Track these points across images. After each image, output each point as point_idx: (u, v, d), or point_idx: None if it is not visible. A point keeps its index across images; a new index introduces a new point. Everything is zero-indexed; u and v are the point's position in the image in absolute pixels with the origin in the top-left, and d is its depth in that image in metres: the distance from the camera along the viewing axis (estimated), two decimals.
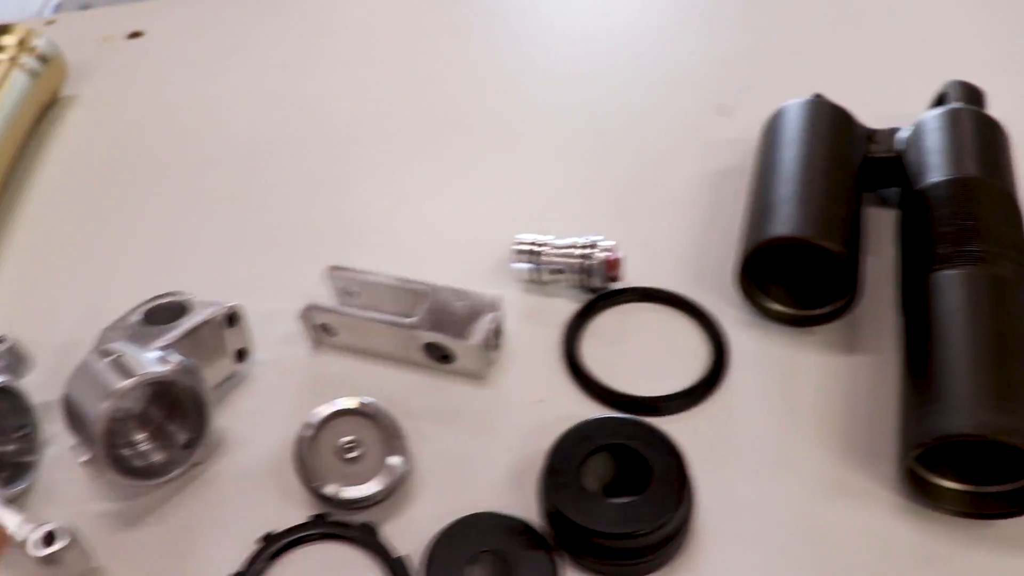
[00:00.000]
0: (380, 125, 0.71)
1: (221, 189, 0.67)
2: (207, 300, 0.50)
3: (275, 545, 0.44)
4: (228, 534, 0.45)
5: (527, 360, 0.52)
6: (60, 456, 0.49)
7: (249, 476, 0.48)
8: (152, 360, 0.45)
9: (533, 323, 0.54)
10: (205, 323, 0.49)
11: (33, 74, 0.70)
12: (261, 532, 0.45)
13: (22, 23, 0.73)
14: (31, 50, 0.71)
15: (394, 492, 0.45)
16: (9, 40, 0.71)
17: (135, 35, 0.83)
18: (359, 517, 0.45)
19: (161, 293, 0.51)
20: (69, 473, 0.48)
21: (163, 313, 0.50)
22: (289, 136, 0.71)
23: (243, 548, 0.44)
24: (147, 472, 0.46)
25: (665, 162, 0.64)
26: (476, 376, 0.51)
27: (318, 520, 0.45)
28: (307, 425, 0.45)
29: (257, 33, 0.83)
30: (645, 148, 0.65)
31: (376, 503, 0.44)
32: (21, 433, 0.49)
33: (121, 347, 0.46)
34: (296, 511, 0.46)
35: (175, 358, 0.45)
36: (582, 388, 0.50)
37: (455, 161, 0.66)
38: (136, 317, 0.50)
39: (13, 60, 0.70)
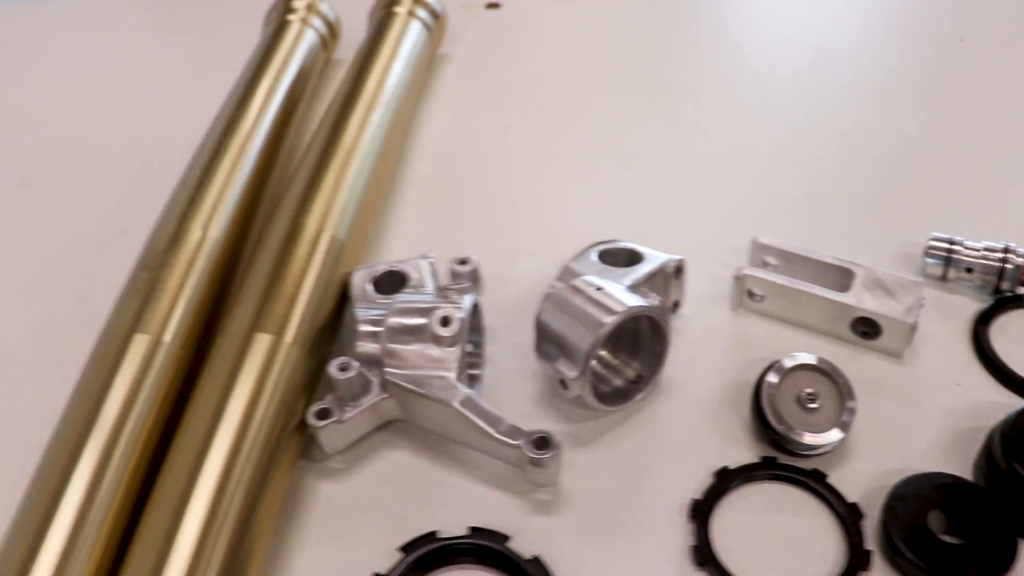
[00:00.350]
0: None
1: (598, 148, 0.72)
2: (650, 250, 0.55)
3: (730, 480, 0.48)
4: (675, 465, 0.49)
5: (936, 346, 0.55)
6: (495, 376, 0.54)
7: (689, 416, 0.52)
8: (632, 295, 0.49)
9: (938, 314, 0.56)
10: (659, 270, 0.53)
11: (426, 26, 0.77)
12: (704, 467, 0.49)
13: None
14: (425, 5, 0.77)
15: (841, 445, 0.48)
16: None
17: (493, 6, 0.89)
18: (805, 464, 0.48)
19: (606, 240, 0.56)
20: (505, 391, 0.53)
21: (616, 256, 0.54)
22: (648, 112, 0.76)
23: (690, 479, 0.48)
24: (602, 398, 0.51)
25: None
26: (895, 354, 0.54)
27: (768, 462, 0.49)
28: (774, 371, 0.49)
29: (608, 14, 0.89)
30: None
31: (825, 453, 0.48)
32: (473, 349, 0.55)
33: (597, 280, 0.50)
34: (739, 452, 0.49)
35: (652, 295, 0.50)
36: (996, 377, 0.53)
37: None
38: (592, 256, 0.54)
39: (410, 13, 0.76)
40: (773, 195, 0.68)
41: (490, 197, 0.69)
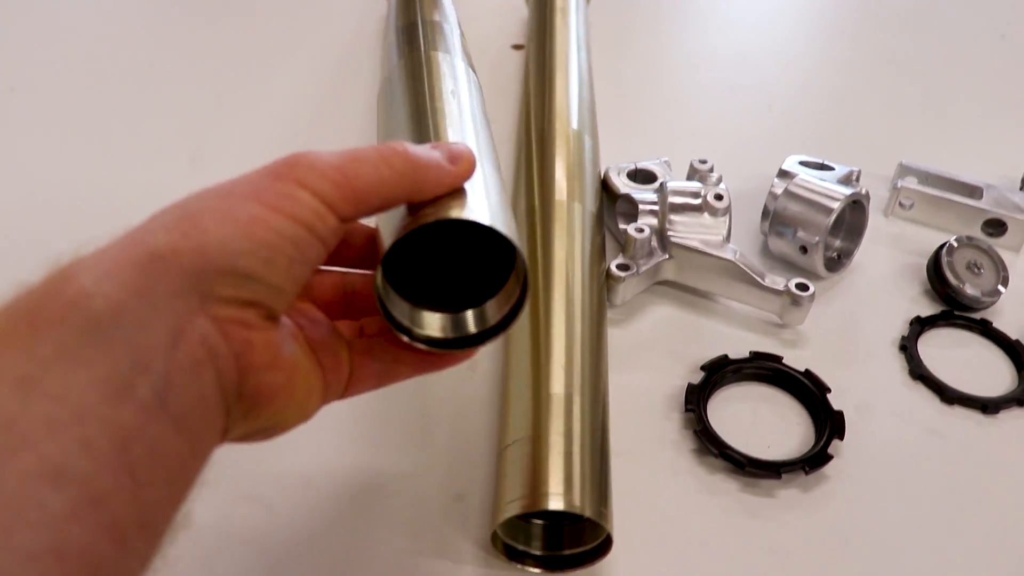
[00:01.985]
0: None
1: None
2: (832, 162, 0.70)
3: (924, 324, 0.64)
4: (879, 315, 0.65)
5: None
6: None
7: (877, 284, 0.67)
8: (843, 186, 0.65)
9: None
10: (847, 175, 0.69)
11: None
12: (900, 317, 0.64)
13: None
14: None
15: (999, 300, 0.65)
16: None
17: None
18: (974, 315, 0.65)
19: (800, 156, 0.71)
20: None
21: (809, 164, 0.70)
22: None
23: (892, 325, 0.64)
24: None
25: None
26: (1015, 248, 0.71)
27: (947, 313, 0.65)
28: (947, 246, 0.65)
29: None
30: None
31: (989, 305, 0.64)
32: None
33: (815, 177, 0.66)
34: (920, 308, 0.65)
35: (855, 185, 0.65)
36: None
37: None
38: (797, 164, 0.69)
39: None
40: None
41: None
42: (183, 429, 0.28)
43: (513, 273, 0.38)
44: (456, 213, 0.35)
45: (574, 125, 0.68)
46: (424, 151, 0.36)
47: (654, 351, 0.61)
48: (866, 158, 0.77)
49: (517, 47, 0.90)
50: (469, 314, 0.39)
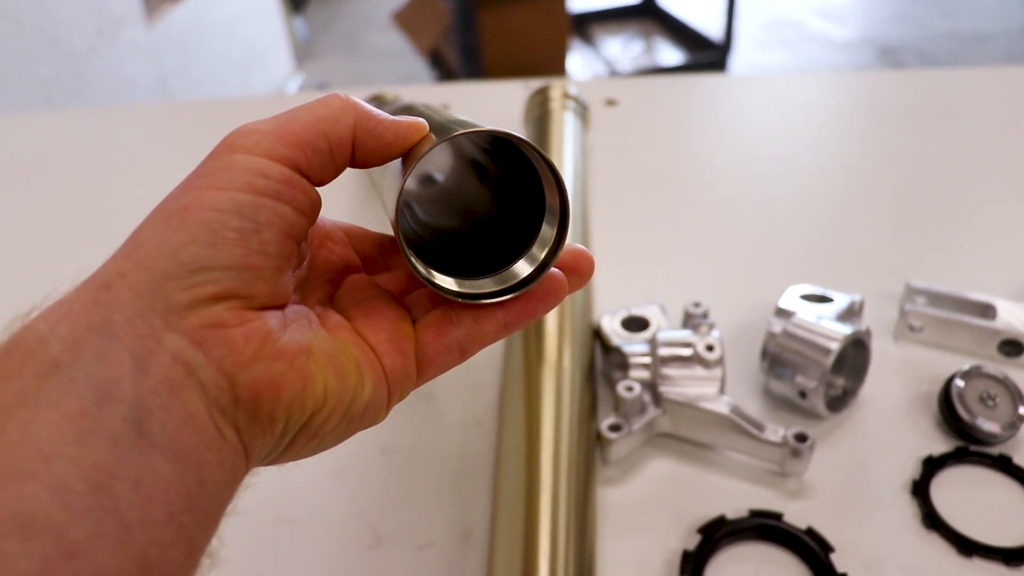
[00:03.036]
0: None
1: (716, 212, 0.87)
2: (835, 292, 0.69)
3: (936, 464, 0.61)
4: (887, 456, 0.62)
5: None
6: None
7: (886, 420, 0.65)
8: (844, 325, 0.63)
9: None
10: (848, 307, 0.67)
11: (579, 115, 0.91)
12: (911, 457, 0.62)
13: (555, 81, 0.94)
14: (573, 98, 0.92)
15: (1018, 434, 0.62)
16: (555, 93, 0.92)
17: (611, 103, 1.05)
18: (991, 451, 0.62)
19: (799, 285, 0.70)
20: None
21: (811, 298, 0.68)
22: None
23: (901, 466, 0.61)
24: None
25: None
26: None
27: (962, 450, 0.62)
28: (959, 377, 0.62)
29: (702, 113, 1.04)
30: None
31: (1007, 439, 0.62)
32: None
33: (812, 315, 0.64)
34: (932, 445, 0.63)
35: (857, 323, 0.64)
36: None
37: None
38: (795, 299, 0.68)
39: (562, 106, 0.91)
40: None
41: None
42: (174, 456, 0.26)
43: (545, 186, 0.35)
44: (459, 130, 0.32)
45: None
46: (359, 105, 0.33)
47: (651, 511, 0.59)
48: (872, 278, 0.75)
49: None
50: (521, 262, 0.36)
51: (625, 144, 0.99)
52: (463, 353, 0.35)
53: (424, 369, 0.34)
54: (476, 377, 0.69)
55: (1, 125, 1.21)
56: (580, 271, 0.36)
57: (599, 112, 1.02)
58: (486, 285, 0.35)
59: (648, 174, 0.94)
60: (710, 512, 0.58)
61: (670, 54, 3.05)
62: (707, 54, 2.99)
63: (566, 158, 0.83)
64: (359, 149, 0.33)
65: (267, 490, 0.56)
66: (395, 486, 0.61)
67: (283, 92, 3.48)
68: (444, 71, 2.86)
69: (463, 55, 2.46)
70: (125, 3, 2.49)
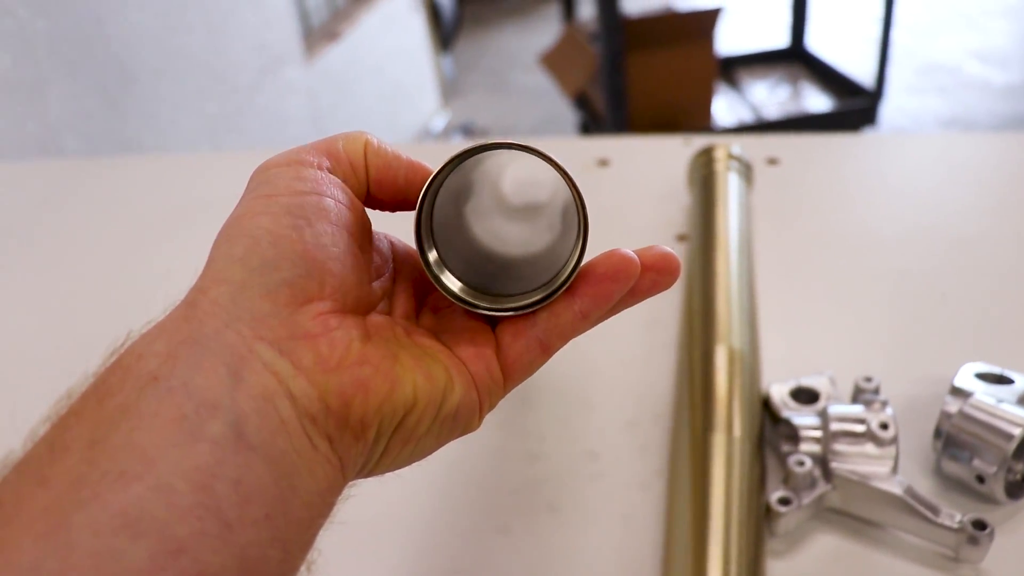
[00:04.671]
0: None
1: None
2: (1014, 373, 0.67)
3: None
4: None
5: None
6: None
7: None
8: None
9: None
10: None
11: (743, 176, 0.92)
12: None
13: (719, 141, 0.95)
14: (737, 159, 0.93)
15: None
16: (720, 153, 0.93)
17: (772, 162, 1.05)
18: None
19: (976, 364, 0.68)
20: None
21: (987, 377, 0.67)
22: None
23: None
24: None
25: None
26: None
27: None
28: None
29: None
30: None
31: None
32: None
33: (992, 397, 0.63)
34: None
35: None
36: None
37: None
38: (972, 376, 0.67)
39: (727, 167, 0.92)
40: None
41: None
42: (270, 459, 0.27)
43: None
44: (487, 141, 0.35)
45: (735, 343, 0.69)
46: None
47: None
48: None
49: (681, 238, 0.92)
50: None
51: (787, 206, 0.99)
52: (545, 350, 0.36)
53: (509, 373, 0.36)
54: (642, 439, 0.71)
55: (167, 165, 1.31)
56: (664, 270, 0.35)
57: (760, 171, 1.03)
58: (519, 299, 0.36)
59: (812, 237, 0.94)
60: None
61: (818, 100, 2.99)
62: (857, 100, 2.92)
63: (731, 221, 0.84)
64: (371, 168, 0.36)
65: (435, 539, 0.60)
66: (560, 544, 0.63)
67: (428, 129, 3.60)
68: (589, 113, 2.90)
69: (609, 98, 2.49)
70: (287, 43, 2.64)
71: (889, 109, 3.37)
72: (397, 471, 0.35)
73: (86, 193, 1.19)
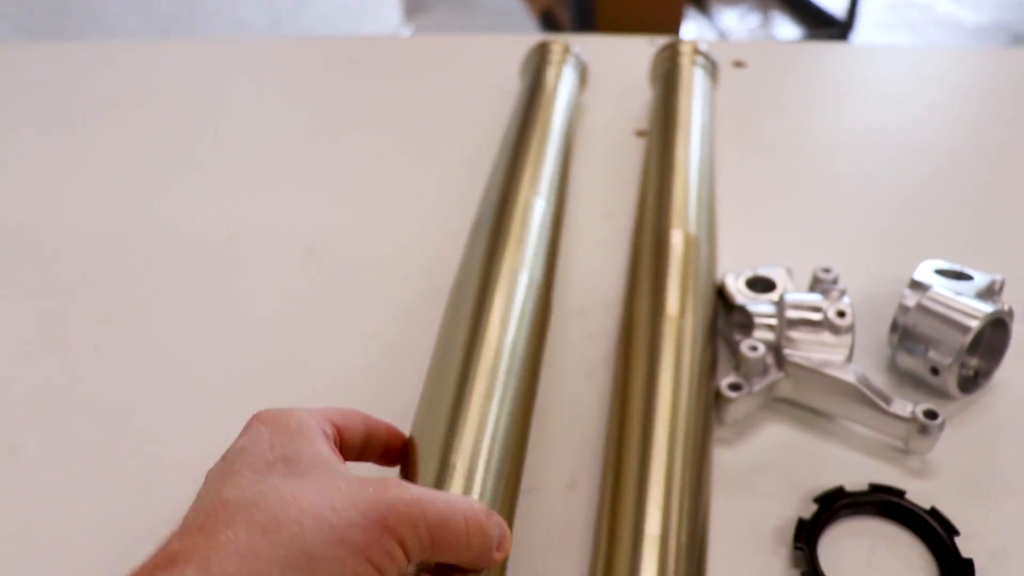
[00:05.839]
0: None
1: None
2: (972, 270, 0.65)
3: None
4: (1020, 444, 0.59)
5: None
6: None
7: (1019, 407, 0.62)
8: (984, 302, 0.60)
9: None
10: (988, 286, 0.64)
11: (708, 73, 0.89)
12: None
13: (688, 39, 0.91)
14: (703, 55, 0.89)
15: None
16: (685, 48, 0.89)
17: (739, 64, 1.02)
18: None
19: (935, 260, 0.66)
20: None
21: (946, 273, 0.65)
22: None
23: None
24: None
25: None
26: None
27: None
28: None
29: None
30: None
31: None
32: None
33: (951, 291, 0.61)
34: None
35: (998, 302, 0.60)
36: None
37: None
38: (931, 273, 0.65)
39: (692, 62, 0.88)
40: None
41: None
42: None
43: None
44: None
45: (691, 229, 0.67)
46: (491, 527, 0.40)
47: (765, 475, 0.58)
48: (1012, 260, 0.71)
49: (641, 133, 0.89)
50: None
51: (753, 107, 0.96)
52: None
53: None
54: (591, 327, 0.68)
55: (116, 54, 1.24)
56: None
57: (726, 73, 0.99)
58: None
59: (776, 139, 0.92)
60: (825, 483, 0.56)
61: (788, 29, 2.95)
62: (827, 31, 2.88)
63: (694, 114, 0.81)
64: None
65: None
66: None
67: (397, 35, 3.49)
68: (555, 32, 2.83)
69: (576, 15, 2.43)
70: None
71: (859, 43, 3.33)
72: None
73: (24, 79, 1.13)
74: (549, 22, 2.84)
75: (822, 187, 0.85)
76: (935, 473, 0.58)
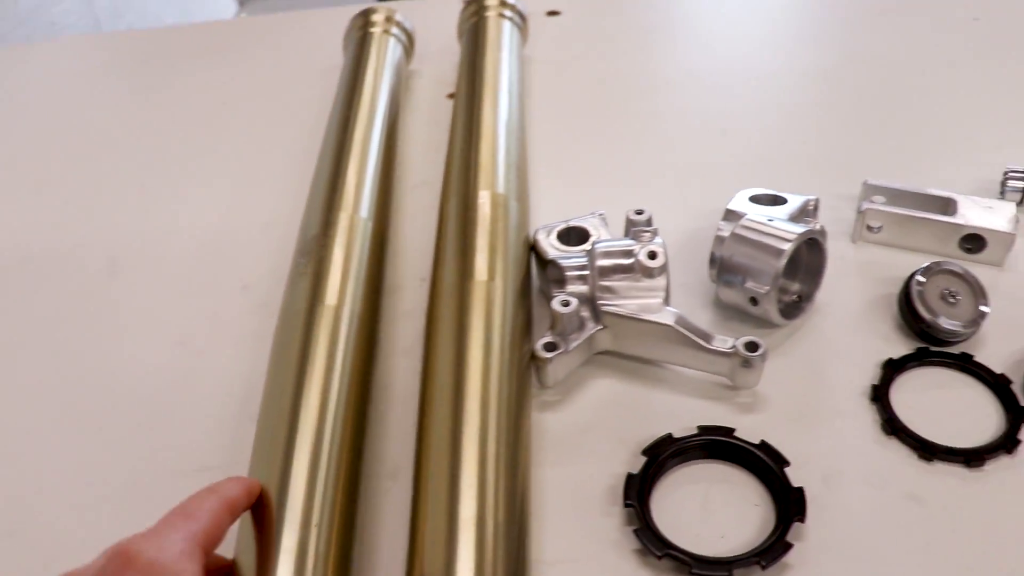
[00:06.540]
0: None
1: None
2: (787, 194, 0.64)
3: (896, 367, 0.57)
4: (845, 363, 0.58)
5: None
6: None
7: (843, 325, 0.61)
8: (797, 224, 0.58)
9: None
10: (802, 208, 0.63)
11: (516, 26, 0.85)
12: (869, 362, 0.58)
13: None
14: (511, 7, 0.86)
15: (978, 331, 0.58)
16: (491, 1, 0.86)
17: (553, 13, 0.99)
18: (953, 350, 0.58)
19: (752, 189, 0.65)
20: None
21: (761, 199, 0.64)
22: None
23: (861, 372, 0.57)
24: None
25: None
26: (996, 263, 0.64)
27: (923, 351, 0.58)
28: (920, 274, 0.58)
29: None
30: None
31: (967, 338, 0.58)
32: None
33: (764, 216, 0.59)
34: (892, 348, 0.59)
35: (812, 222, 0.59)
36: None
37: None
38: (745, 201, 0.63)
39: (499, 14, 0.85)
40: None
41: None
42: None
43: None
44: None
45: (500, 189, 0.63)
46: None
47: (593, 434, 0.55)
48: (828, 181, 0.71)
49: (452, 96, 0.84)
50: None
51: (568, 56, 0.93)
52: None
53: None
54: (405, 303, 0.64)
55: None
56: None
57: (541, 23, 0.96)
58: None
59: (592, 86, 0.89)
60: (657, 432, 0.53)
61: None
62: None
63: (502, 71, 0.77)
64: None
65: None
66: None
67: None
68: None
69: None
70: None
71: None
72: None
73: None
74: None
75: (640, 127, 0.83)
76: (765, 405, 0.56)
